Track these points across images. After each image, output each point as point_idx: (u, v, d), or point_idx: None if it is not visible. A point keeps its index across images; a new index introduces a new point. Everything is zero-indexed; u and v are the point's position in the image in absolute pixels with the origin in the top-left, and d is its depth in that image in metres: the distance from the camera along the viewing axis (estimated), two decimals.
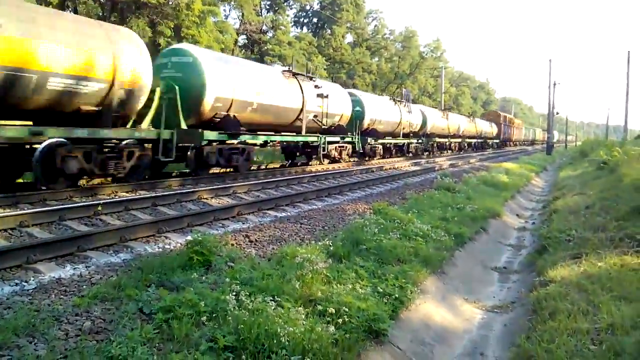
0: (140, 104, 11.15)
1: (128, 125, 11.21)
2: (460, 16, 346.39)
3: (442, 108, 45.55)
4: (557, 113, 62.95)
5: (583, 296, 5.37)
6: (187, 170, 13.68)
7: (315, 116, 18.54)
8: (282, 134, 16.91)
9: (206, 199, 10.05)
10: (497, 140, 57.06)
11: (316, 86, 18.77)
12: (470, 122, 45.47)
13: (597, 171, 18.00)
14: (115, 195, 9.82)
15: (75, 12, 26.33)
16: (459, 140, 41.54)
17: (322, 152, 18.99)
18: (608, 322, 4.59)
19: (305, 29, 49.79)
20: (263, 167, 17.81)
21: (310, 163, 19.60)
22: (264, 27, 41.13)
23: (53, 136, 9.16)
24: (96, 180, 10.80)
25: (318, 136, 18.59)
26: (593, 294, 5.36)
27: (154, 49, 21.49)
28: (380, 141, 25.21)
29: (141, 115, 11.44)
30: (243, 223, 8.25)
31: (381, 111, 25.40)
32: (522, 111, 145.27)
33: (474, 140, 46.71)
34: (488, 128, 52.07)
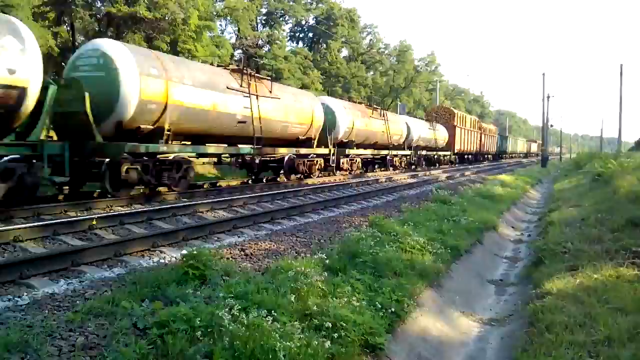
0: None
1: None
2: (455, 30, 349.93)
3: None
4: (552, 126, 63.17)
5: (579, 308, 5.36)
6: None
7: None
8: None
9: (202, 212, 10.03)
10: (448, 153, 39.27)
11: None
12: (371, 116, 25.06)
13: (592, 183, 18.07)
14: (110, 210, 9.79)
15: (72, 27, 26.45)
16: (370, 153, 24.97)
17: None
18: (605, 335, 4.59)
19: (300, 44, 50.25)
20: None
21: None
22: (260, 42, 41.44)
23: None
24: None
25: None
26: (589, 306, 5.36)
27: None
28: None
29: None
30: (239, 236, 8.22)
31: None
32: (517, 124, 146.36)
33: (370, 154, 25.44)
34: (427, 133, 33.26)
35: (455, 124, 40.19)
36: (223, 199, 11.54)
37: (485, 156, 54.24)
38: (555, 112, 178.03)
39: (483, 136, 50.77)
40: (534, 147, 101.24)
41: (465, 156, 45.79)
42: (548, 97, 47.47)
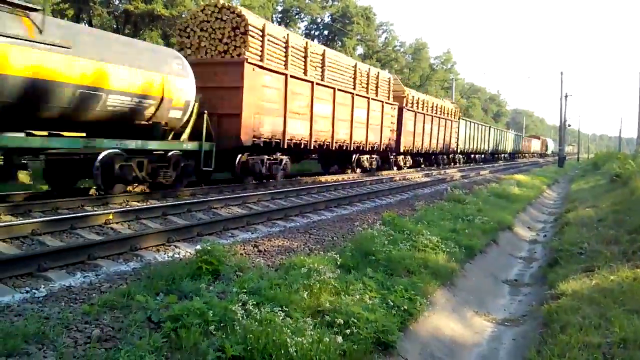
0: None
1: None
2: (472, 28, 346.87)
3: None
4: (569, 125, 62.19)
5: (595, 310, 5.30)
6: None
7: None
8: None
9: (216, 208, 10.09)
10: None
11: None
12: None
13: (610, 184, 17.83)
14: (126, 205, 9.89)
15: (90, 24, 26.76)
16: None
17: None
18: (620, 337, 4.53)
19: (316, 41, 50.11)
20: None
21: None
22: None
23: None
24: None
25: None
26: (605, 308, 5.29)
27: None
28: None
29: None
30: (252, 233, 8.26)
31: None
32: (534, 123, 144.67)
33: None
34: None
35: (245, 55, 13.72)
36: (237, 195, 11.60)
37: (434, 157, 32.41)
38: (573, 111, 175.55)
39: (406, 115, 25.89)
40: (536, 145, 73.96)
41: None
42: (566, 96, 46.92)
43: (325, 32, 50.51)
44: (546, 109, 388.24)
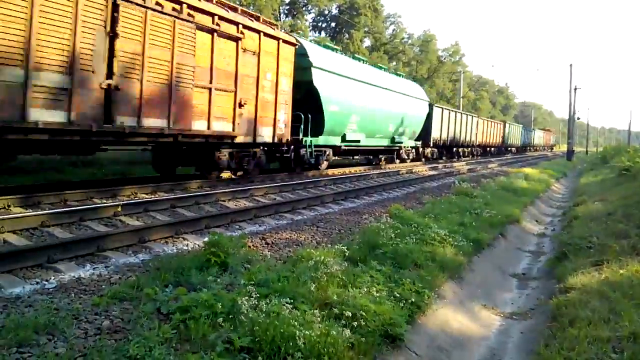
0: None
1: None
2: (480, 20, 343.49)
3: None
4: (579, 118, 61.45)
5: (604, 304, 5.27)
6: None
7: None
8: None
9: (224, 201, 10.11)
10: None
11: None
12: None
13: (619, 178, 17.69)
14: (134, 197, 9.93)
15: None
16: None
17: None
18: (630, 330, 4.50)
19: (323, 33, 49.97)
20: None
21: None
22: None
23: None
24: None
25: None
26: (614, 302, 5.26)
27: None
28: None
29: None
30: (260, 225, 8.28)
31: None
32: (542, 116, 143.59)
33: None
34: None
35: None
36: (244, 188, 11.60)
37: None
38: (582, 104, 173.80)
39: None
40: (493, 132, 42.59)
41: None
42: (575, 88, 46.45)
43: (333, 24, 50.32)
44: (555, 101, 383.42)
